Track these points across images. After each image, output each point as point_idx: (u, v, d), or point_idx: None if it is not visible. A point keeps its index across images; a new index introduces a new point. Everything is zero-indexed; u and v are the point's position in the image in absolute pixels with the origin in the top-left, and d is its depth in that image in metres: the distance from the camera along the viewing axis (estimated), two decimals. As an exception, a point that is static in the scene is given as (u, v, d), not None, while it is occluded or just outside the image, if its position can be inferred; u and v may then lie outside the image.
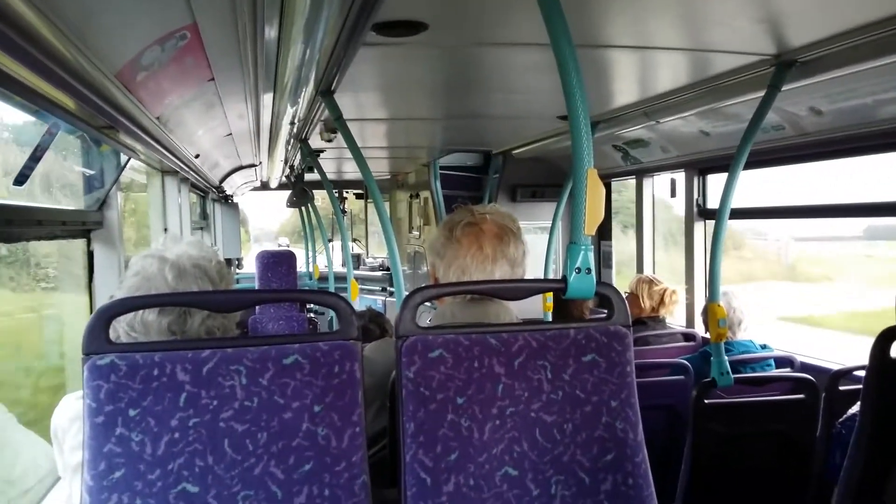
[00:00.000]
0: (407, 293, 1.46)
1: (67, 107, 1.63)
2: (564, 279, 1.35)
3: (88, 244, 2.42)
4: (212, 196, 6.34)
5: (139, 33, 1.65)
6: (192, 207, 4.61)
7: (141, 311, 1.48)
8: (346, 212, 7.94)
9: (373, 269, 7.99)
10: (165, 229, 3.70)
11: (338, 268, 6.59)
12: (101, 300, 2.45)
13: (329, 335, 1.33)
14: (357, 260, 7.94)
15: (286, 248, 6.01)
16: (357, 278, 4.59)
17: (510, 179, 5.16)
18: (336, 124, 2.76)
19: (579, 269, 1.35)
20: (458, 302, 1.71)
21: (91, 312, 2.46)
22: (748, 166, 2.46)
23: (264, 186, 7.23)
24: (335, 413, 1.30)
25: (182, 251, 1.57)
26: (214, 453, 1.25)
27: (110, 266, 2.46)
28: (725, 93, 2.56)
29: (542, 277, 4.11)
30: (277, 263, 5.75)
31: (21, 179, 1.82)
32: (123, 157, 2.49)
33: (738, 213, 3.46)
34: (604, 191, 1.34)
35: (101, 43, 1.55)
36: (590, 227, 1.33)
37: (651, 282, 3.68)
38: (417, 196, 6.34)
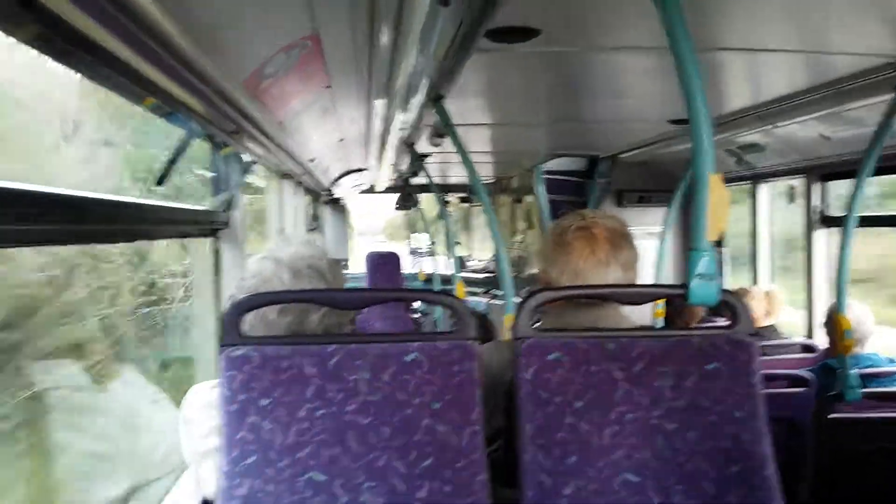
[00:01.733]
0: (521, 296, 1.48)
1: (200, 112, 1.74)
2: (685, 285, 1.33)
3: (216, 242, 2.56)
4: (322, 198, 6.55)
5: (265, 43, 1.74)
6: (304, 210, 4.77)
7: (263, 310, 1.56)
8: (449, 216, 8.02)
9: (475, 271, 8.04)
10: (283, 230, 3.85)
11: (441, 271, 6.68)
12: (228, 295, 2.58)
13: (447, 335, 1.37)
14: (461, 263, 8.01)
15: (392, 251, 6.11)
16: (462, 281, 4.63)
17: (616, 184, 5.08)
18: (445, 130, 2.80)
19: (701, 275, 1.33)
20: (571, 307, 1.71)
21: (217, 308, 2.61)
22: (878, 172, 2.34)
23: (371, 190, 7.41)
24: (454, 411, 1.33)
25: (295, 252, 1.64)
26: (340, 444, 1.31)
27: (235, 264, 2.59)
28: (847, 96, 2.44)
29: (656, 283, 4.03)
30: (385, 264, 5.90)
31: (161, 180, 1.96)
32: (247, 161, 2.62)
33: (867, 221, 3.29)
34: (727, 196, 1.32)
35: (231, 52, 1.65)
36: (712, 232, 1.31)
37: (748, 292, 3.57)
38: (520, 201, 6.34)
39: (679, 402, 1.35)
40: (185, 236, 2.35)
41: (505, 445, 1.65)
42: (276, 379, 1.30)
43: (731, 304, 1.38)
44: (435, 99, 2.60)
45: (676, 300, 1.37)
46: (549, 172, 5.47)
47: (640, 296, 1.60)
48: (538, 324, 1.67)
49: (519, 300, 1.54)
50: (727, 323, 1.40)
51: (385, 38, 1.81)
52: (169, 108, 1.72)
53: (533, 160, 5.22)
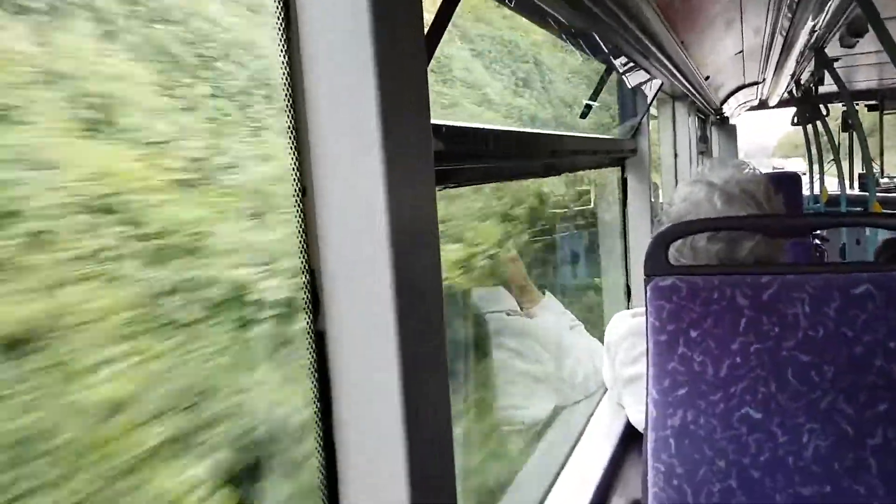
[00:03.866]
0: None
1: (615, 39, 1.72)
2: None
3: (623, 171, 2.57)
4: (711, 119, 6.24)
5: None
6: (694, 132, 4.59)
7: (691, 238, 1.51)
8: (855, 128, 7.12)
9: (888, 190, 7.05)
10: (676, 155, 3.74)
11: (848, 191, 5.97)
12: (635, 223, 2.59)
13: None
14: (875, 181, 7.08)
15: (791, 171, 5.60)
16: (878, 201, 4.06)
17: None
18: (871, 25, 2.46)
19: None
20: None
21: (625, 235, 2.63)
22: None
23: (762, 105, 6.84)
24: None
25: (729, 176, 1.55)
26: (777, 381, 1.23)
27: (643, 192, 2.58)
28: None
29: None
30: (781, 186, 5.41)
31: (585, 113, 2.00)
32: (652, 86, 2.56)
33: None
34: None
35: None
36: None
37: None
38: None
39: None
40: (598, 166, 2.39)
41: None
42: (705, 310, 1.25)
43: None
44: (860, -9, 2.28)
45: None
46: None
47: None
48: None
49: None
50: None
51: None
52: (584, 36, 1.73)
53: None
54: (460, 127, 1.13)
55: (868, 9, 2.36)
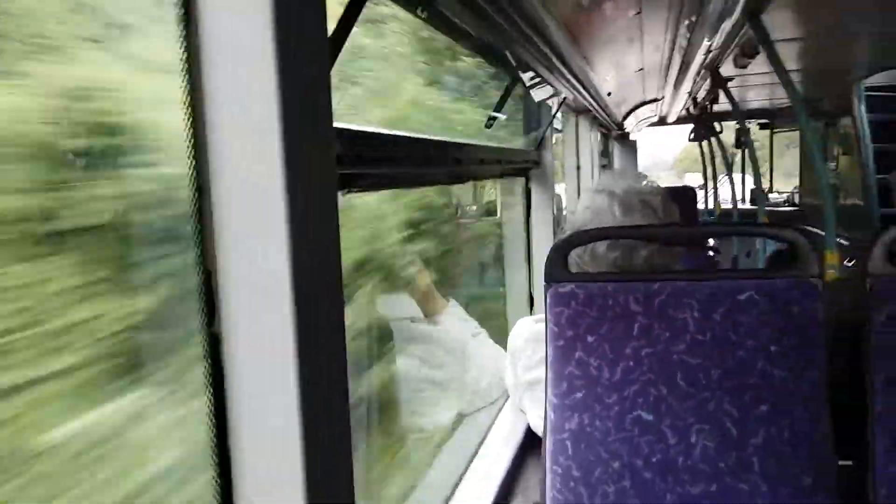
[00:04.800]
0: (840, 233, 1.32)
1: (521, 54, 1.76)
2: None
3: (527, 182, 2.62)
4: (613, 133, 6.44)
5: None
6: (596, 146, 4.74)
7: (591, 245, 1.56)
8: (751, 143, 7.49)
9: (776, 204, 7.46)
10: (578, 167, 3.84)
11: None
12: (538, 232, 2.65)
13: (785, 272, 1.27)
14: (765, 195, 7.47)
15: (687, 185, 5.86)
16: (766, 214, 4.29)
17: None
18: (761, 48, 2.60)
19: None
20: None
21: (528, 243, 2.69)
22: None
23: (661, 122, 7.12)
24: (794, 354, 1.25)
25: (629, 187, 1.62)
26: (667, 384, 1.29)
27: (545, 202, 2.63)
28: None
29: None
30: (677, 199, 5.66)
31: (489, 123, 2.04)
32: (555, 100, 2.63)
33: None
34: None
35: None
36: None
37: None
38: (834, 123, 5.70)
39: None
40: (502, 176, 2.44)
41: (849, 394, 1.52)
42: (601, 316, 1.30)
43: None
44: (752, 15, 2.40)
45: None
46: (871, 89, 4.85)
47: None
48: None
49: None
50: None
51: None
52: (490, 49, 1.76)
53: (853, 75, 4.65)
54: (363, 132, 1.13)
55: (759, 31, 2.48)
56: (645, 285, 1.29)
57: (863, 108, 4.85)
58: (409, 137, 1.34)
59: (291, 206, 0.71)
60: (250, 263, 0.71)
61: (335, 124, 0.82)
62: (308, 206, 0.74)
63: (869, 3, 2.63)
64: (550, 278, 1.34)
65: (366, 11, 1.00)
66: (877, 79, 4.74)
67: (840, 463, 1.29)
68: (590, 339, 1.32)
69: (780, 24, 2.85)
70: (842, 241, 3.01)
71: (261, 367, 0.70)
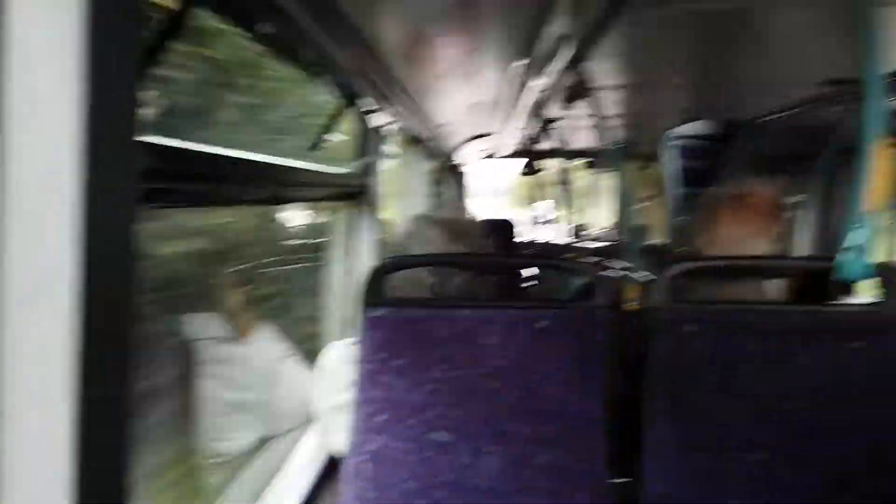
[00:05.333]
0: (644, 267, 1.44)
1: (351, 77, 1.78)
2: (832, 258, 1.26)
3: (353, 206, 2.63)
4: (446, 164, 6.60)
5: (418, 4, 1.74)
6: (428, 175, 4.84)
7: (411, 271, 1.60)
8: (571, 183, 7.92)
9: (593, 240, 7.91)
10: (410, 195, 3.90)
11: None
12: (361, 257, 2.66)
13: (580, 302, 1.36)
14: (579, 231, 7.90)
15: (506, 218, 6.09)
16: (580, 249, 4.57)
17: (754, 150, 4.84)
18: (581, 94, 2.76)
19: (853, 248, 1.25)
20: (713, 279, 1.66)
21: (351, 268, 2.68)
22: None
23: (494, 155, 7.38)
24: (581, 379, 1.33)
25: (450, 216, 1.67)
26: (467, 407, 1.33)
27: (370, 227, 2.65)
28: None
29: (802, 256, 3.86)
30: (497, 230, 5.89)
31: (315, 146, 2.02)
32: (386, 128, 2.66)
33: None
34: (892, 163, 1.23)
35: (388, 16, 1.66)
36: (872, 203, 1.23)
37: None
38: (647, 167, 6.16)
39: (818, 382, 1.30)
40: (328, 199, 2.43)
41: (628, 416, 1.65)
42: (411, 340, 1.33)
43: (885, 278, 1.29)
44: (574, 62, 2.56)
45: (815, 275, 1.29)
46: (680, 137, 5.27)
47: (785, 269, 1.54)
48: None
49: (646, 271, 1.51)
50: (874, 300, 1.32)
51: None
52: (323, 73, 1.77)
53: (664, 124, 5.05)
54: (176, 147, 1.09)
55: (583, 77, 2.65)
56: (454, 312, 1.34)
57: (670, 154, 5.27)
58: (227, 156, 1.31)
59: (87, 217, 0.68)
60: (39, 274, 0.67)
61: (145, 138, 0.79)
62: (105, 219, 0.71)
63: (682, 57, 2.88)
64: (365, 302, 1.36)
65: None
66: (687, 128, 5.17)
67: (618, 481, 1.38)
68: (397, 362, 1.34)
69: (601, 72, 3.07)
70: (651, 276, 3.24)
71: (33, 387, 0.66)
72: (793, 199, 4.23)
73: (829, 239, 3.63)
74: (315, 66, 1.77)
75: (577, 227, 7.99)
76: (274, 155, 1.56)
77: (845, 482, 1.29)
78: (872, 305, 1.34)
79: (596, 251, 7.43)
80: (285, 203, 1.84)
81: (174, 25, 1.01)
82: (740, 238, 1.63)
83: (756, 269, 1.56)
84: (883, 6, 1.90)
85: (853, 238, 1.25)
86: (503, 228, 5.99)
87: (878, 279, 1.32)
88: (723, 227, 1.65)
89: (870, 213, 1.24)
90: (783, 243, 1.68)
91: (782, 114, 4.05)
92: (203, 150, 1.19)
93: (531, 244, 7.07)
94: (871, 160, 1.21)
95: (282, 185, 1.67)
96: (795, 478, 1.30)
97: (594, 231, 8.19)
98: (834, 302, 2.98)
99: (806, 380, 1.30)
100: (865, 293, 1.41)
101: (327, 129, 2.02)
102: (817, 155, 3.74)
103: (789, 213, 1.67)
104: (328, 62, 1.59)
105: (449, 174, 7.09)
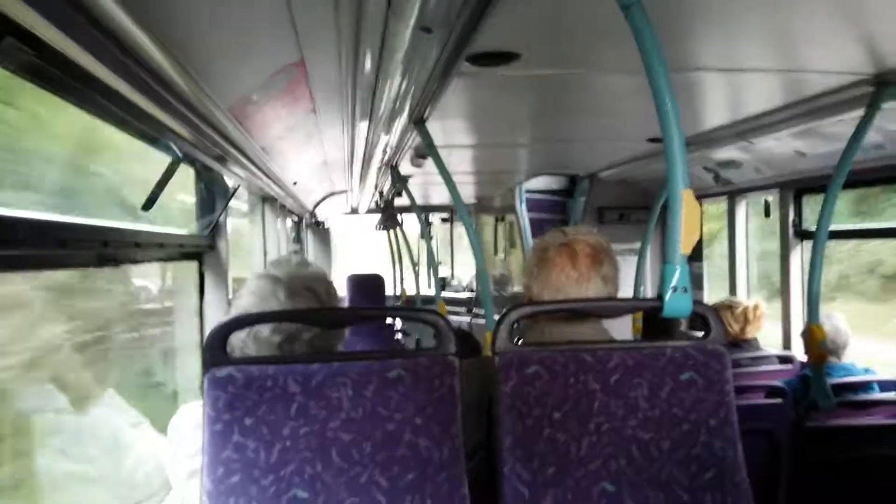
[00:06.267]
0: (499, 312, 1.50)
1: (186, 138, 1.76)
2: (660, 297, 1.36)
3: (200, 266, 2.57)
4: (305, 221, 6.57)
5: (252, 69, 1.77)
6: (287, 232, 4.79)
7: (255, 329, 1.58)
8: (431, 237, 8.04)
9: (457, 291, 8.06)
10: (265, 252, 3.86)
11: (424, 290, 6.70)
12: (210, 317, 2.59)
13: (429, 351, 1.39)
14: (443, 282, 8.03)
15: (376, 273, 6.13)
16: (443, 300, 4.65)
17: (597, 202, 5.14)
18: (427, 151, 2.84)
19: (675, 287, 1.35)
20: (552, 321, 1.74)
21: (201, 329, 2.61)
22: (847, 186, 2.40)
23: (354, 211, 7.43)
24: (435, 425, 1.35)
25: (294, 272, 1.66)
26: (323, 461, 1.32)
27: (219, 286, 2.60)
28: (822, 113, 2.50)
29: (630, 297, 4.08)
30: (367, 286, 5.92)
31: (148, 205, 1.97)
32: (231, 186, 2.64)
33: (838, 234, 3.35)
34: (699, 211, 1.35)
35: (218, 79, 1.68)
36: (686, 246, 1.34)
37: (731, 305, 3.58)
38: (503, 219, 6.39)
39: (654, 412, 1.39)
40: (169, 260, 2.37)
41: (486, 458, 1.68)
42: (259, 398, 1.32)
43: (703, 315, 1.41)
44: (417, 121, 2.64)
45: (654, 314, 1.39)
46: (530, 191, 5.53)
47: (616, 309, 1.64)
48: (520, 339, 1.70)
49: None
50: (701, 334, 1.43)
51: (369, 62, 1.85)
52: (155, 134, 1.74)
53: (514, 180, 5.27)
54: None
55: (424, 136, 2.72)
56: (304, 367, 1.33)
57: (523, 207, 5.50)
58: (38, 220, 1.27)
59: None
60: None
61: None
62: None
63: (522, 116, 3.03)
64: (209, 362, 1.33)
65: None
66: (535, 183, 5.42)
67: None
68: (247, 421, 1.31)
69: (446, 130, 3.17)
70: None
71: None
72: (631, 246, 4.51)
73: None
74: (145, 131, 1.74)
75: (443, 278, 8.14)
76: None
77: None
78: (698, 340, 1.44)
79: (455, 301, 7.60)
80: (114, 265, 1.77)
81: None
82: (570, 282, 1.72)
83: (587, 309, 1.65)
84: (686, 72, 2.11)
85: (674, 278, 1.35)
86: (373, 282, 6.04)
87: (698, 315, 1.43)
88: (554, 272, 1.74)
89: (684, 256, 1.36)
90: (613, 286, 1.78)
91: (614, 168, 4.34)
92: (9, 214, 1.14)
93: (400, 297, 7.13)
94: (680, 209, 1.32)
95: (108, 247, 1.62)
96: None
97: (455, 282, 8.37)
98: (671, 337, 3.18)
99: (643, 412, 1.38)
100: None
101: (161, 186, 1.98)
102: (649, 205, 4.01)
103: (615, 258, 1.77)
104: (156, 125, 1.57)
105: (312, 231, 7.06)
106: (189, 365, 2.60)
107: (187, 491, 1.86)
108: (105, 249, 1.61)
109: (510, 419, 1.37)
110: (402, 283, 7.37)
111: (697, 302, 1.37)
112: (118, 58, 1.22)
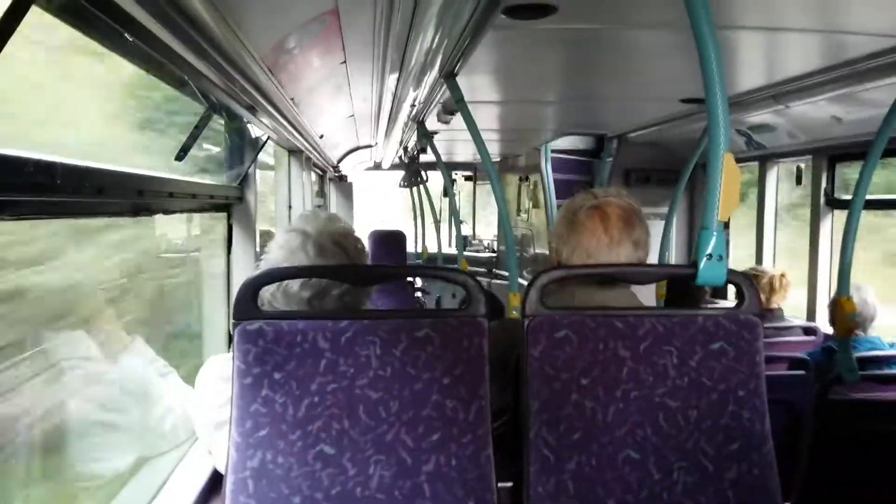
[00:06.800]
0: (525, 275, 1.49)
1: (219, 86, 1.75)
2: (695, 264, 1.33)
3: (229, 218, 2.58)
4: (329, 175, 6.55)
5: (287, 17, 1.74)
6: (311, 186, 4.78)
7: (285, 284, 1.58)
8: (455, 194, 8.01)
9: (478, 250, 8.05)
10: (290, 206, 3.86)
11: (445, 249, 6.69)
12: (238, 269, 2.60)
13: (458, 312, 1.38)
14: (464, 241, 8.02)
15: (398, 230, 6.12)
16: (465, 259, 4.63)
17: (624, 164, 5.08)
18: (457, 106, 2.80)
19: (710, 255, 1.33)
20: (582, 285, 1.72)
21: (229, 280, 2.63)
22: (886, 155, 2.35)
23: (377, 167, 7.40)
24: (463, 386, 1.35)
25: (323, 227, 1.66)
26: (350, 418, 1.33)
27: (246, 239, 2.60)
28: (862, 77, 2.43)
29: (663, 263, 4.05)
30: (388, 242, 5.92)
31: (181, 155, 1.97)
32: (261, 137, 2.63)
33: (874, 204, 3.29)
34: (739, 176, 1.32)
35: (253, 25, 1.65)
36: (724, 212, 1.31)
37: (756, 274, 3.54)
38: (527, 179, 6.34)
39: (682, 380, 1.37)
40: (200, 211, 2.37)
41: (511, 421, 1.68)
42: (289, 353, 1.32)
43: (738, 284, 1.39)
44: (447, 75, 2.61)
45: (681, 281, 1.37)
46: (556, 151, 5.47)
47: (649, 275, 1.62)
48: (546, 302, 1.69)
49: (523, 280, 1.55)
50: (734, 303, 1.41)
51: (402, 13, 1.81)
52: (189, 82, 1.73)
53: (541, 138, 5.22)
54: (16, 157, 1.05)
55: (455, 91, 2.69)
56: (333, 323, 1.33)
57: (548, 167, 5.46)
58: (77, 166, 1.26)
59: None
60: None
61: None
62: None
63: (554, 73, 2.99)
64: (239, 316, 1.33)
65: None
66: (561, 143, 5.36)
67: (502, 485, 1.42)
68: (277, 375, 1.32)
69: (475, 86, 3.13)
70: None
71: None
72: (657, 210, 4.47)
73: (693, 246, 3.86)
74: (178, 76, 1.73)
75: (464, 237, 8.11)
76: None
77: (715, 478, 1.37)
78: (729, 309, 1.42)
79: (476, 261, 7.60)
80: (148, 214, 1.77)
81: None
82: (601, 246, 1.70)
83: (619, 275, 1.63)
84: (726, 30, 2.05)
85: (710, 245, 1.33)
86: (394, 239, 6.04)
87: (733, 284, 1.41)
88: (585, 236, 1.72)
89: (722, 223, 1.33)
90: (643, 251, 1.76)
91: (644, 130, 4.28)
92: (50, 159, 1.14)
93: (422, 254, 7.12)
94: (720, 173, 1.29)
95: (146, 196, 1.62)
96: (667, 475, 1.36)
97: (476, 242, 8.36)
98: (700, 306, 3.17)
99: (672, 380, 1.37)
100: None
101: (193, 138, 1.97)
102: (680, 168, 3.95)
103: (646, 222, 1.74)
104: (191, 71, 1.56)
105: (335, 185, 7.05)
106: (217, 318, 2.62)
107: (214, 441, 1.88)
108: (140, 199, 1.61)
109: (537, 383, 1.37)
110: (423, 240, 7.36)
111: (732, 270, 1.35)
112: (157, 1, 1.20)
